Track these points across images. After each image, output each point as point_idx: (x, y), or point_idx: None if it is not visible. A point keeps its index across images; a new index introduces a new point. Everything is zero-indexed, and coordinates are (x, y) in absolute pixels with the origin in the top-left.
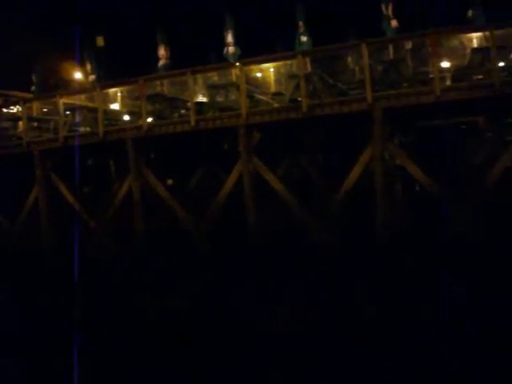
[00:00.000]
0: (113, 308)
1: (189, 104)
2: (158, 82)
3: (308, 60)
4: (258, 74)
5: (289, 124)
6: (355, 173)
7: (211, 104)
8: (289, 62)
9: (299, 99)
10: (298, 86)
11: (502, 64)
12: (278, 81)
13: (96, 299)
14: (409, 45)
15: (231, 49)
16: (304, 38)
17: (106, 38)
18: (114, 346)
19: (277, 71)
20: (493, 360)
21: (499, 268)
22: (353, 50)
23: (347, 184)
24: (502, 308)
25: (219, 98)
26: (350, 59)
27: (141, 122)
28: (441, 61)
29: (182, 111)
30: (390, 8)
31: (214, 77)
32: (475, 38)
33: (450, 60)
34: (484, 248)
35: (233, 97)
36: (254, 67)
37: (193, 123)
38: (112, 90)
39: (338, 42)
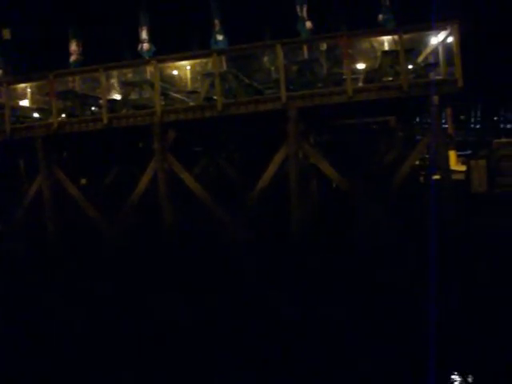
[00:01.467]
0: None
1: (101, 101)
2: (69, 79)
3: (224, 59)
4: (175, 72)
5: (204, 122)
6: (270, 171)
7: (125, 102)
8: (205, 60)
9: (215, 98)
10: (213, 85)
11: (410, 66)
12: (194, 79)
13: None
14: (323, 46)
15: (146, 45)
16: (220, 37)
17: (13, 31)
18: None
19: (193, 69)
20: None
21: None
22: (268, 50)
23: (262, 182)
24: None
25: (133, 96)
26: (266, 59)
27: (51, 120)
28: (353, 62)
29: (94, 109)
30: (305, 10)
31: (128, 74)
32: (386, 41)
33: (362, 62)
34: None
35: (147, 94)
36: (169, 65)
37: (105, 121)
38: (20, 86)
39: (254, 42)
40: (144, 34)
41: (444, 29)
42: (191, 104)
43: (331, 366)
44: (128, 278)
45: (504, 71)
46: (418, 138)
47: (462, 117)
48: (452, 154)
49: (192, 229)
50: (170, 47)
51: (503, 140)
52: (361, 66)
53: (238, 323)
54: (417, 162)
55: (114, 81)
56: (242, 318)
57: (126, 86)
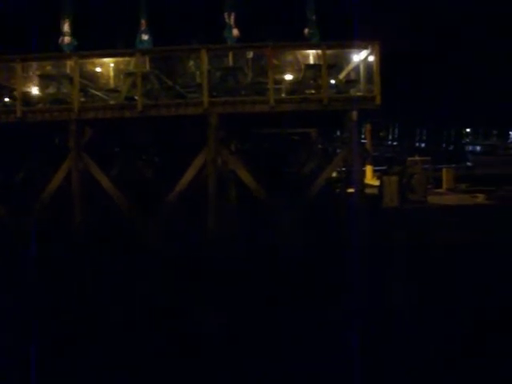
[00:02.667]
0: None
1: (16, 93)
2: None
3: (147, 59)
4: (98, 69)
5: (124, 122)
6: (188, 176)
7: (42, 95)
8: (128, 59)
9: (136, 98)
10: (135, 85)
11: (332, 81)
12: (117, 77)
13: None
14: (250, 54)
15: (67, 39)
16: (145, 37)
17: None
18: None
19: (117, 67)
20: None
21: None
22: (194, 54)
23: (180, 186)
24: None
25: (51, 90)
26: (191, 63)
27: None
28: (278, 73)
29: (8, 100)
30: (233, 17)
31: (48, 66)
32: (312, 55)
33: (287, 73)
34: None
35: (65, 90)
36: (91, 61)
37: (19, 114)
38: None
39: (181, 45)
40: (66, 27)
41: (365, 47)
42: (111, 103)
43: None
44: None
45: (419, 93)
46: (338, 151)
47: (382, 133)
48: (369, 169)
49: (104, 231)
50: (94, 43)
51: (416, 158)
52: (286, 77)
53: None
54: (334, 175)
55: (31, 72)
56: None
57: (43, 79)
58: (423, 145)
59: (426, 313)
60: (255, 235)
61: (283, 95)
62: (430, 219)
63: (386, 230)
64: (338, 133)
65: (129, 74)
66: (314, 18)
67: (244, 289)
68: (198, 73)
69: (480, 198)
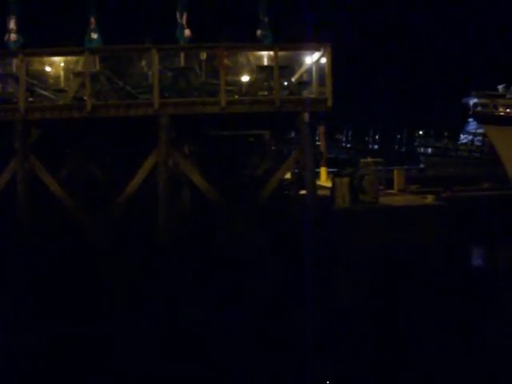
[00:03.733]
0: None
1: None
2: None
3: (97, 59)
4: (46, 68)
5: (73, 123)
6: (139, 178)
7: None
8: (76, 58)
9: (85, 98)
10: (84, 85)
11: (285, 83)
12: (67, 77)
13: None
14: (203, 55)
15: (13, 36)
16: (94, 36)
17: None
18: None
19: (66, 67)
20: None
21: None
22: (145, 55)
23: (130, 188)
24: None
25: None
26: (143, 63)
27: None
28: (231, 74)
29: None
30: (185, 17)
31: None
32: (266, 57)
33: (241, 75)
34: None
35: (11, 89)
36: (38, 59)
37: None
38: None
39: (132, 44)
40: (12, 24)
41: (317, 50)
42: (59, 103)
43: None
44: None
45: (372, 95)
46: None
47: (337, 135)
48: (323, 171)
49: (51, 233)
50: (42, 41)
51: (369, 160)
52: (239, 78)
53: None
54: (288, 176)
55: None
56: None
57: None
58: (376, 146)
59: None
60: (205, 236)
61: (236, 97)
62: (377, 220)
63: (333, 231)
64: (293, 134)
65: (77, 74)
66: (266, 19)
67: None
68: (150, 73)
69: (429, 199)
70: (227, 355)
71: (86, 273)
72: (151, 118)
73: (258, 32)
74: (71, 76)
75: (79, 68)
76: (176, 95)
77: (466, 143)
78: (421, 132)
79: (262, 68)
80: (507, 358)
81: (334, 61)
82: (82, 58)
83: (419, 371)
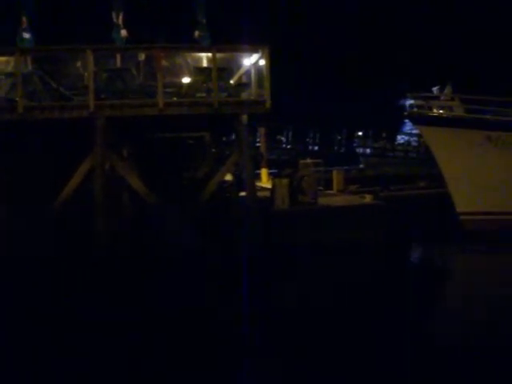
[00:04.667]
0: None
1: None
2: None
3: (29, 59)
4: None
5: (3, 125)
6: (74, 181)
7: None
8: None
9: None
10: (14, 85)
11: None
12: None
13: None
14: (142, 56)
15: None
16: (27, 35)
17: None
18: None
19: None
20: None
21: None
22: (80, 55)
23: (66, 192)
24: None
25: None
26: (79, 64)
27: None
28: (170, 76)
29: None
30: (121, 17)
31: None
32: (205, 58)
33: (179, 77)
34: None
35: None
36: None
37: None
38: None
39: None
40: None
41: (256, 52)
42: None
43: None
44: None
45: (311, 96)
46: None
47: (279, 137)
48: (264, 172)
49: None
50: None
51: (308, 161)
52: (178, 80)
53: None
54: (229, 178)
55: None
56: None
57: None
58: (316, 148)
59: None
60: (143, 240)
61: (174, 98)
62: (315, 220)
63: (272, 232)
64: (234, 136)
65: (9, 75)
66: (204, 20)
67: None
68: (86, 74)
69: (367, 199)
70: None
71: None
72: (86, 120)
73: (196, 33)
74: (2, 77)
75: (10, 68)
76: (112, 97)
77: (402, 143)
78: (360, 133)
79: (199, 70)
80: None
81: (274, 62)
82: (12, 59)
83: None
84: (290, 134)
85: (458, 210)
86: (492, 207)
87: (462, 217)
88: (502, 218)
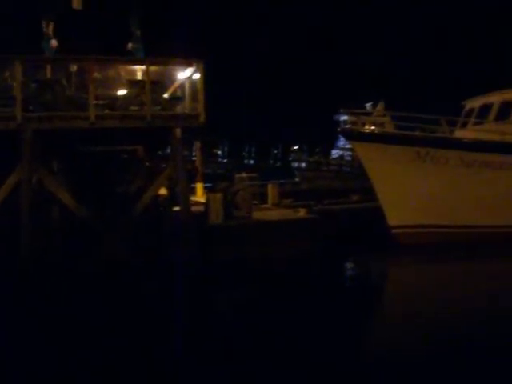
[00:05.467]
0: None
1: None
2: None
3: None
4: None
5: None
6: (0, 195)
7: None
8: None
9: None
10: None
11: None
12: None
13: None
14: (73, 68)
15: None
16: None
17: None
18: None
19: None
20: None
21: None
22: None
23: None
24: None
25: None
26: (7, 74)
27: None
28: (103, 88)
29: None
30: (51, 27)
31: None
32: (139, 71)
33: (113, 89)
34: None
35: None
36: None
37: None
38: None
39: None
40: None
41: (190, 65)
42: None
43: None
44: None
45: (247, 111)
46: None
47: (216, 150)
48: (199, 186)
49: None
50: None
51: (244, 175)
52: (111, 92)
53: None
54: (163, 192)
55: None
56: None
57: None
58: (252, 161)
59: None
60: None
61: (107, 111)
62: (249, 235)
63: (206, 247)
64: (169, 150)
65: None
66: (138, 32)
67: None
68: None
69: (302, 213)
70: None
71: None
72: (14, 132)
73: (129, 45)
74: None
75: None
76: (41, 109)
77: (337, 158)
78: (296, 147)
79: (133, 82)
80: None
81: (210, 76)
82: None
83: None
84: (226, 147)
85: (390, 223)
86: (422, 220)
87: (393, 230)
88: (432, 230)
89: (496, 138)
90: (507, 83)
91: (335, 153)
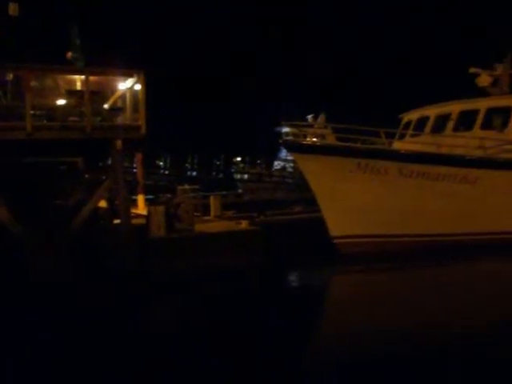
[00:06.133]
0: None
1: None
2: None
3: None
4: None
5: None
6: None
7: None
8: None
9: None
10: None
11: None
12: None
13: None
14: (9, 76)
15: None
16: None
17: None
18: None
19: None
20: None
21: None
22: None
23: None
24: None
25: None
26: None
27: None
28: (40, 98)
29: None
30: None
31: None
32: (78, 81)
33: (49, 99)
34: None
35: None
36: None
37: None
38: None
39: None
40: None
41: (131, 76)
42: None
43: None
44: None
45: (189, 122)
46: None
47: (158, 162)
48: (140, 199)
49: None
50: None
51: (186, 187)
52: (49, 102)
53: None
54: (104, 205)
55: None
56: None
57: None
58: (194, 173)
59: None
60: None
61: (45, 122)
62: (192, 247)
63: (147, 260)
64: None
65: None
66: (78, 41)
67: None
68: None
69: (244, 224)
70: None
71: None
72: None
73: (69, 54)
74: None
75: None
76: None
77: (279, 169)
78: (238, 158)
79: (72, 92)
80: None
81: (152, 86)
82: None
83: None
84: (169, 159)
85: (332, 233)
86: (363, 230)
87: (335, 240)
88: (373, 240)
89: (432, 149)
90: (442, 97)
91: (277, 164)
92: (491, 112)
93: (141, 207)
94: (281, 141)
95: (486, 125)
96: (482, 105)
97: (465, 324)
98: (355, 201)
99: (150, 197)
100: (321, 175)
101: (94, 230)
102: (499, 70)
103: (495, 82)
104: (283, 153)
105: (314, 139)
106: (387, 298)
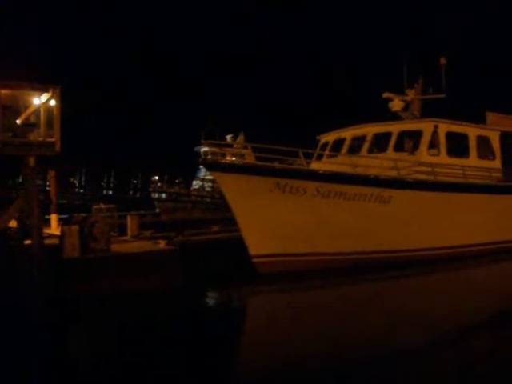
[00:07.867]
0: None
1: None
2: None
3: None
4: None
5: None
6: None
7: None
8: None
9: None
10: None
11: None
12: None
13: None
14: None
15: None
16: None
17: None
18: None
19: None
20: None
21: None
22: None
23: None
24: None
25: None
26: None
27: None
28: None
29: None
30: None
31: None
32: None
33: None
34: None
35: None
36: None
37: None
38: None
39: None
40: None
41: (46, 91)
42: None
43: None
44: None
45: (105, 140)
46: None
47: (73, 180)
48: (53, 218)
49: None
50: None
51: (101, 206)
52: None
53: None
54: (14, 225)
55: None
56: None
57: None
58: (111, 192)
59: None
60: None
61: None
62: (108, 268)
63: (60, 282)
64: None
65: None
66: None
67: None
68: None
69: (162, 244)
70: None
71: None
72: None
73: None
74: None
75: None
76: None
77: (197, 188)
78: (156, 177)
79: None
80: None
81: (67, 102)
82: None
83: None
84: (84, 177)
85: (251, 252)
86: (283, 249)
87: (254, 259)
88: (293, 259)
89: (348, 169)
90: (357, 120)
91: (196, 183)
92: (403, 135)
93: (54, 227)
94: (200, 160)
95: (399, 147)
96: (395, 128)
97: (377, 340)
98: (274, 220)
99: (64, 216)
100: (240, 194)
101: (3, 251)
102: (410, 95)
103: (407, 107)
104: (202, 172)
105: (234, 158)
106: (303, 318)
